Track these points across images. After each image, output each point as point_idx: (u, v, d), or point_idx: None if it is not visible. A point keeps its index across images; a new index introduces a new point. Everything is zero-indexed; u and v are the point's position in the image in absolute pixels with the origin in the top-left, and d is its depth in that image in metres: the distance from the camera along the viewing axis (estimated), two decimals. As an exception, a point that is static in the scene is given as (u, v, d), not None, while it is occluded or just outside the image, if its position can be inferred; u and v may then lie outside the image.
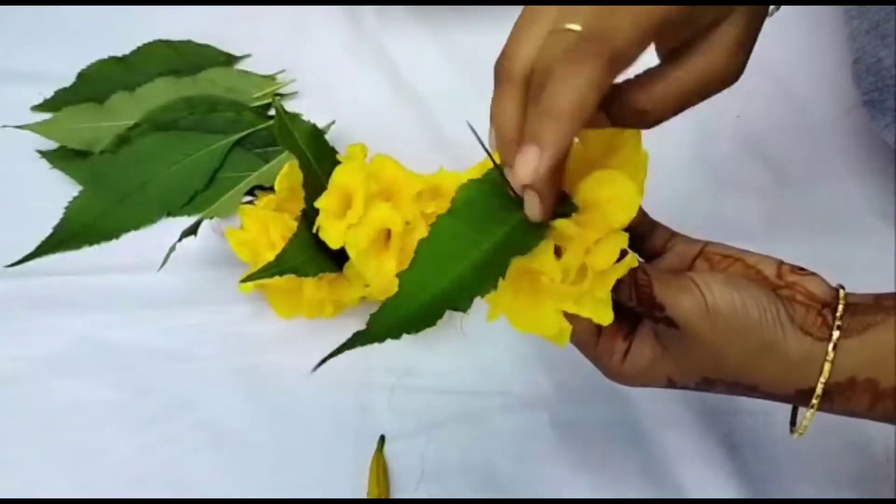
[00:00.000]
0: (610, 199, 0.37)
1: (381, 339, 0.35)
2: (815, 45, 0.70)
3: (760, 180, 0.65)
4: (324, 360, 0.35)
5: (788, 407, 0.42)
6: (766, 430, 0.53)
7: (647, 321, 0.41)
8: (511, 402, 0.56)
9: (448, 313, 0.35)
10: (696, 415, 0.54)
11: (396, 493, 0.53)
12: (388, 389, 0.56)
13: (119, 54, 0.68)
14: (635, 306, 0.39)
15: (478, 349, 0.57)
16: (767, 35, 0.79)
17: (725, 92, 0.67)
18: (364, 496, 0.52)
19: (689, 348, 0.39)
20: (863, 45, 0.61)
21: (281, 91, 0.68)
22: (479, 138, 0.36)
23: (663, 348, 0.40)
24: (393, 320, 0.35)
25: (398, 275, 0.36)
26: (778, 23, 0.72)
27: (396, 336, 0.35)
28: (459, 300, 0.35)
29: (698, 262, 0.42)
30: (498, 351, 0.57)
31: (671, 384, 0.41)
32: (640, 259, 0.40)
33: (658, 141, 0.67)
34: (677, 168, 0.65)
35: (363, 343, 0.35)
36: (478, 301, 0.36)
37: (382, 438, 0.54)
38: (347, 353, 0.37)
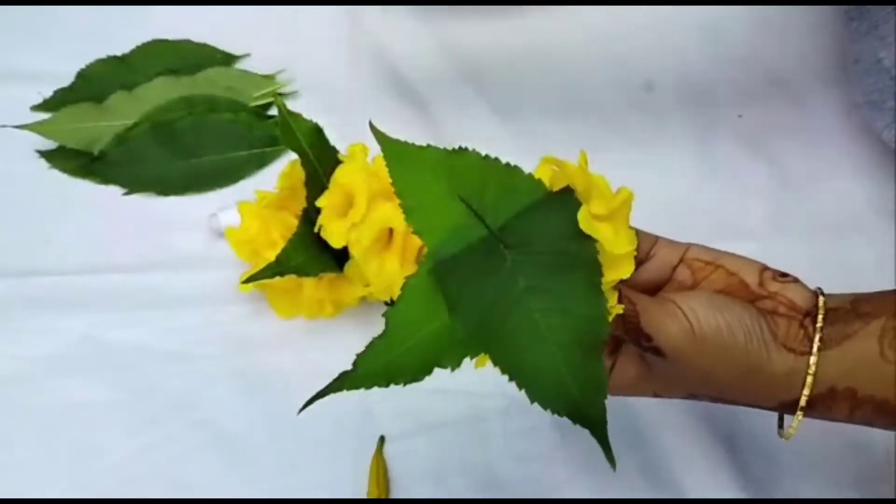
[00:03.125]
0: None
1: (367, 385, 0.35)
2: (815, 45, 0.70)
3: (761, 180, 0.65)
4: (310, 402, 0.36)
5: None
6: (766, 431, 0.53)
7: None
8: (511, 402, 0.56)
9: None
10: (696, 415, 0.54)
11: (396, 493, 0.53)
12: (388, 389, 0.56)
13: (119, 54, 0.68)
14: (622, 336, 0.39)
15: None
16: (768, 35, 0.79)
17: (726, 92, 0.68)
18: (364, 496, 0.52)
19: (675, 370, 0.39)
20: (863, 46, 0.61)
21: (280, 91, 0.68)
22: None
23: (648, 368, 0.41)
24: (380, 363, 0.36)
25: (384, 315, 0.36)
26: (778, 23, 0.72)
27: (384, 384, 0.35)
28: (445, 356, 0.36)
29: (680, 269, 0.42)
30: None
31: (657, 396, 0.42)
32: (625, 286, 0.41)
33: (659, 141, 0.68)
34: (678, 168, 0.65)
35: (349, 388, 0.35)
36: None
37: (382, 438, 0.54)
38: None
